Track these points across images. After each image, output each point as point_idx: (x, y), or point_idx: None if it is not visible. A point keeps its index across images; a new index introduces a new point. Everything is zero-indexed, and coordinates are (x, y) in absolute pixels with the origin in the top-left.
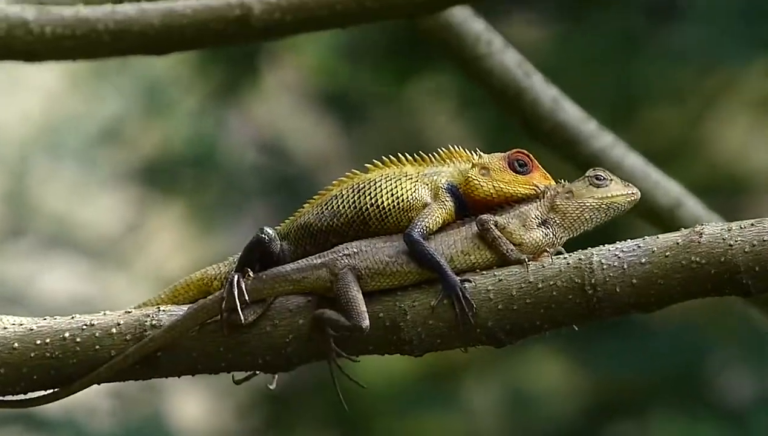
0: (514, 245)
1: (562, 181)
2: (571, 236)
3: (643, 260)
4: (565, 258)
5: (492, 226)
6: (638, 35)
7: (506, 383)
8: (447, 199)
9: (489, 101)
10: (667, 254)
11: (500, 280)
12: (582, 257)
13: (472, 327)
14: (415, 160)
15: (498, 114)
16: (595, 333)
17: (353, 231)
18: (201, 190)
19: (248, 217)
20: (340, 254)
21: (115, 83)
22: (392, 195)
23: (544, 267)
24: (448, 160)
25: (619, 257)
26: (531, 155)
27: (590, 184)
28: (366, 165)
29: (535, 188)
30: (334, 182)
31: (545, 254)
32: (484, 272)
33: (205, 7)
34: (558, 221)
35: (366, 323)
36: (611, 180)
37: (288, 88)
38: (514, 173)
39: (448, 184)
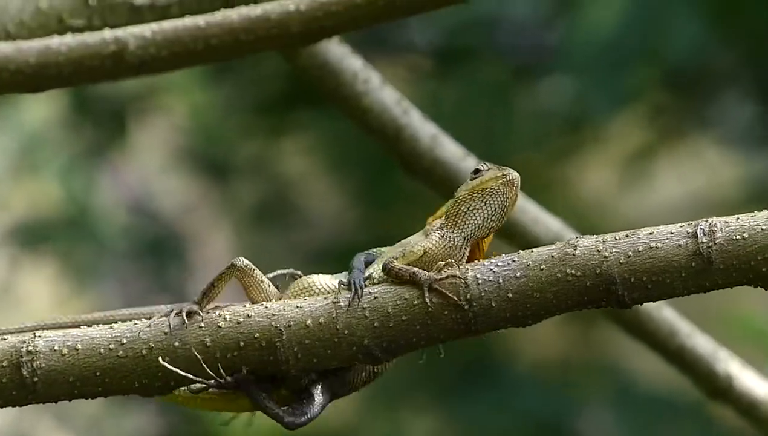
0: (419, 255)
1: None
2: (464, 234)
3: (518, 274)
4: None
5: (394, 265)
6: (507, 87)
7: None
8: None
9: (363, 152)
10: (542, 267)
11: (375, 297)
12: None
13: (349, 344)
14: None
15: (373, 165)
16: (465, 386)
17: None
18: (73, 250)
19: (116, 278)
20: None
21: None
22: None
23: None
24: None
25: (494, 272)
26: None
27: (469, 179)
28: None
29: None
30: None
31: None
32: None
33: (81, 44)
34: (448, 224)
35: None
36: (488, 169)
37: (158, 147)
38: None
39: None
